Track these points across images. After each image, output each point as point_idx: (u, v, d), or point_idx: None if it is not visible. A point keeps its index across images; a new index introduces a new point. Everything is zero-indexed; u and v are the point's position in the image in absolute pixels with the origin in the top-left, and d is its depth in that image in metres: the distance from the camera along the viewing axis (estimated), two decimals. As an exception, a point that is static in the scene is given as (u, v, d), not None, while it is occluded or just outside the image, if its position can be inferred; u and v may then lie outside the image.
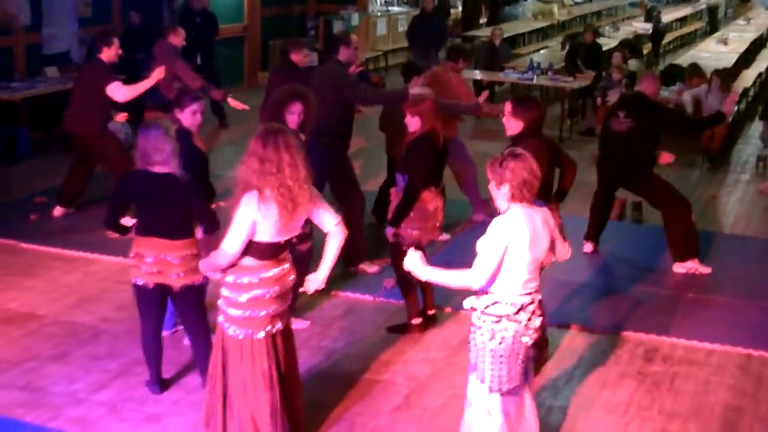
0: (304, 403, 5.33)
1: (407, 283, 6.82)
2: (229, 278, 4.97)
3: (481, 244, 4.66)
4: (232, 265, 4.93)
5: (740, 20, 24.57)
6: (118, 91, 8.82)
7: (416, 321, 6.90)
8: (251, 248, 4.88)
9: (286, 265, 5.05)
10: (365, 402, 5.88)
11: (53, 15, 12.59)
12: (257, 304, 4.93)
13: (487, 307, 4.66)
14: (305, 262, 6.49)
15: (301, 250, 6.42)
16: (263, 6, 17.06)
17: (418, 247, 6.64)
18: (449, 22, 20.89)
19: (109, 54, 8.89)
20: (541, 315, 4.80)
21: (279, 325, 5.06)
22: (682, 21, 25.73)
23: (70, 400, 5.80)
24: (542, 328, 4.92)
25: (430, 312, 7.03)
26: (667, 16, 24.16)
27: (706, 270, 8.23)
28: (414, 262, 4.76)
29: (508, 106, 6.08)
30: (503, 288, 4.64)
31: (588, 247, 8.60)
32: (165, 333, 6.51)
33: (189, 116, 6.35)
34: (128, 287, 7.14)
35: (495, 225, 4.65)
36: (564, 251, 4.99)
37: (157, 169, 5.53)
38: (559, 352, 6.62)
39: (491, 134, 12.67)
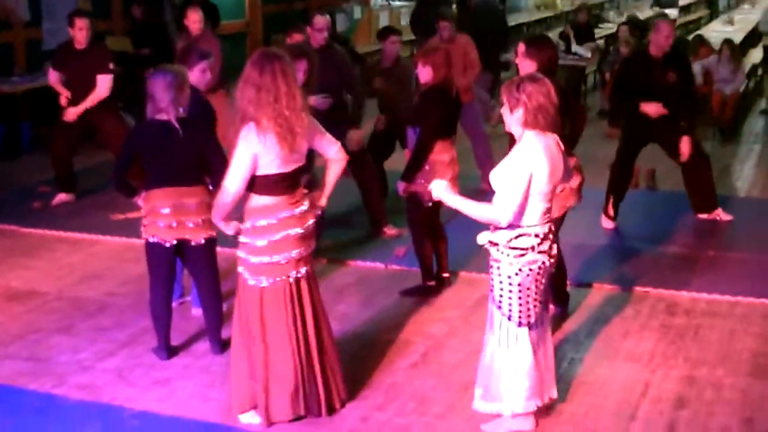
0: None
1: (423, 243, 6.64)
2: (247, 223, 4.77)
3: (500, 177, 4.47)
4: (248, 211, 4.74)
5: (745, 5, 24.40)
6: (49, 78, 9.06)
7: (430, 283, 6.71)
8: (261, 184, 4.68)
9: (305, 206, 4.84)
10: (381, 360, 5.68)
11: (52, 10, 12.46)
12: (278, 248, 4.73)
13: (510, 240, 4.49)
14: (319, 226, 6.34)
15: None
16: (265, 2, 16.94)
17: (435, 202, 6.48)
18: (452, 10, 20.70)
19: (73, 35, 8.88)
20: (557, 242, 4.64)
21: (303, 270, 4.85)
22: (686, 9, 25.53)
23: (75, 368, 5.62)
24: (558, 251, 4.76)
25: (445, 275, 6.84)
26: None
27: (728, 217, 8.17)
28: (441, 190, 4.54)
29: (521, 47, 5.88)
30: (526, 219, 4.47)
31: (608, 223, 8.26)
32: (173, 304, 6.33)
33: (198, 74, 6.17)
34: (134, 264, 7.13)
35: (514, 155, 4.47)
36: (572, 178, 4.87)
37: (162, 116, 5.39)
38: (579, 309, 6.41)
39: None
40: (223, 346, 5.76)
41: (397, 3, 21.19)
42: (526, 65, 5.83)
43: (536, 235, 4.49)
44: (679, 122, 7.96)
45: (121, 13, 13.57)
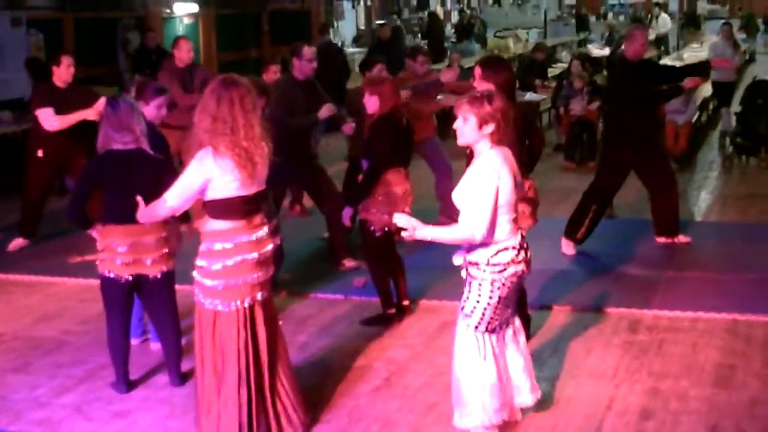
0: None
1: (379, 272, 6.62)
2: (203, 246, 4.70)
3: (465, 194, 4.46)
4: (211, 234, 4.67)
5: (693, 44, 24.77)
6: (47, 120, 8.52)
7: (390, 311, 6.66)
8: (219, 208, 4.62)
9: (263, 231, 4.77)
10: (343, 386, 5.61)
11: (4, 60, 12.40)
12: (233, 272, 4.64)
13: (490, 257, 4.48)
14: (278, 256, 6.29)
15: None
16: (219, 50, 16.98)
17: (388, 232, 6.48)
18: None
19: (59, 74, 8.63)
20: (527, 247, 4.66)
21: (259, 296, 4.76)
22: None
23: (32, 404, 5.49)
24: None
25: (405, 302, 6.80)
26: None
27: (686, 240, 8.30)
28: (406, 222, 4.42)
29: (477, 70, 5.88)
30: (500, 234, 4.47)
31: (570, 249, 8.24)
32: (134, 341, 6.24)
33: (154, 110, 6.10)
34: (92, 304, 7.00)
35: (478, 170, 4.45)
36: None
37: (128, 146, 5.32)
38: (541, 330, 6.39)
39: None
40: (182, 377, 5.68)
41: (351, 50, 21.36)
42: (484, 88, 5.85)
43: (513, 248, 4.50)
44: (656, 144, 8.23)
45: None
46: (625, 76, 8.20)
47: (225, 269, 4.64)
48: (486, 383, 4.59)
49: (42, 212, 9.03)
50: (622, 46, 8.59)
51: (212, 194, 4.61)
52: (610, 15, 36.04)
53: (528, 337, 6.16)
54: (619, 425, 4.99)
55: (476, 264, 4.51)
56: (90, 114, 8.34)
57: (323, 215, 8.08)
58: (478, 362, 4.59)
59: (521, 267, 4.56)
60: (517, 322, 4.87)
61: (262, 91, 6.36)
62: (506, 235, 4.47)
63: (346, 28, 23.60)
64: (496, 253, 4.46)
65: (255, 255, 4.70)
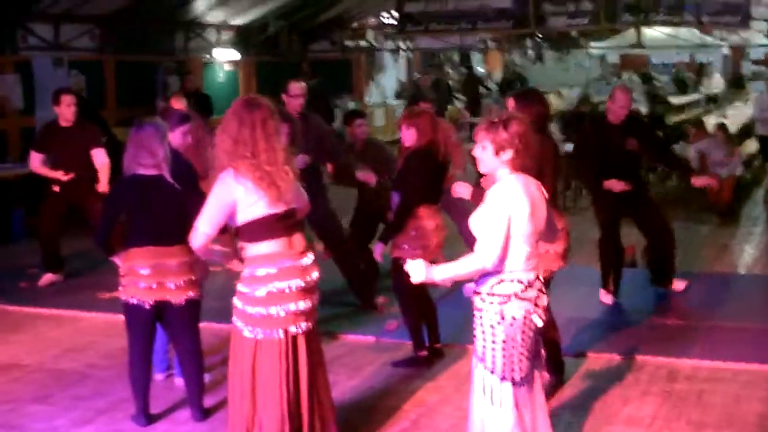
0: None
1: (411, 312, 6.45)
2: (246, 272, 4.55)
3: (479, 220, 4.29)
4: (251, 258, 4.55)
5: (737, 102, 24.57)
6: (30, 161, 8.96)
7: (422, 353, 6.49)
8: (253, 230, 4.48)
9: (309, 258, 4.62)
10: (371, 426, 5.44)
11: (46, 99, 12.45)
12: (277, 299, 4.48)
13: (492, 287, 4.26)
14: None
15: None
16: (258, 93, 17.02)
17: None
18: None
19: (61, 113, 8.81)
20: (545, 294, 4.43)
21: (303, 326, 4.58)
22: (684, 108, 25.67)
23: (50, 435, 5.39)
24: (548, 310, 4.51)
25: (437, 345, 6.61)
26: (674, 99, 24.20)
27: (682, 285, 8.20)
28: (419, 270, 4.25)
29: (510, 102, 5.75)
30: (509, 265, 4.26)
31: (607, 298, 8.00)
32: (159, 376, 6.15)
33: (179, 137, 6.07)
34: (118, 339, 6.87)
35: (492, 196, 4.28)
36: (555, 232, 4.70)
37: (150, 171, 5.25)
38: (575, 377, 6.17)
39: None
40: (204, 412, 5.54)
41: (392, 102, 21.38)
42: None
43: (519, 281, 4.26)
44: (647, 191, 7.96)
45: (116, 102, 13.61)
46: (597, 135, 8.04)
47: (269, 296, 4.48)
48: (501, 430, 4.35)
49: (57, 245, 8.99)
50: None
51: (243, 217, 4.49)
52: (653, 76, 35.83)
53: (562, 384, 6.00)
54: (655, 474, 4.77)
55: (479, 294, 4.32)
56: (59, 176, 8.72)
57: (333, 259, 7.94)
58: (495, 410, 4.33)
59: (528, 306, 4.27)
60: (538, 380, 4.56)
61: (285, 118, 6.28)
62: (516, 267, 4.25)
63: (386, 82, 23.64)
64: (500, 283, 4.24)
65: (300, 282, 4.53)
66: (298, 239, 4.62)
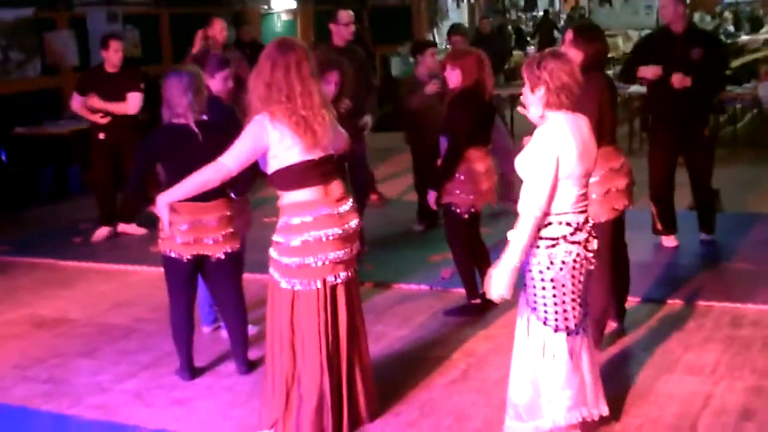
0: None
1: (465, 259, 6.25)
2: (281, 221, 4.37)
3: (526, 163, 4.06)
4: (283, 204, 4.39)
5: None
6: (72, 102, 8.97)
7: (475, 301, 6.28)
8: (287, 177, 4.30)
9: (347, 205, 4.42)
10: (418, 377, 5.25)
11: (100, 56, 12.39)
12: (314, 249, 4.30)
13: (540, 230, 4.04)
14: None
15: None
16: (316, 40, 16.81)
17: (474, 213, 6.11)
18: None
19: (107, 57, 8.74)
20: (596, 237, 4.18)
21: (342, 276, 4.41)
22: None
23: (93, 389, 5.31)
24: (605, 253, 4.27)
25: (490, 293, 6.39)
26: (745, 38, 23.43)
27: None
28: (497, 285, 4.02)
29: (569, 34, 5.42)
30: (557, 206, 4.02)
31: (669, 241, 7.68)
32: (206, 329, 6.06)
33: (220, 83, 5.90)
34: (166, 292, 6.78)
35: (539, 137, 4.04)
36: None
37: (180, 121, 5.09)
38: (636, 325, 5.90)
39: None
40: (249, 365, 5.42)
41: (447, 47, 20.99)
42: (572, 55, 5.40)
43: (568, 224, 4.03)
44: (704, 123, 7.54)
45: (172, 61, 13.48)
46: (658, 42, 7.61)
47: (305, 245, 4.30)
48: (559, 381, 4.14)
49: (114, 193, 8.87)
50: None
51: (275, 163, 4.30)
52: (726, 13, 34.82)
53: (622, 332, 5.75)
54: (715, 426, 4.51)
55: None
56: (96, 119, 8.70)
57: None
58: (554, 366, 4.13)
59: (578, 249, 4.05)
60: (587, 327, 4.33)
61: (335, 65, 6.07)
62: (564, 209, 4.02)
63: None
64: (547, 226, 4.01)
65: (338, 230, 4.34)
66: (336, 186, 4.43)
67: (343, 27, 7.54)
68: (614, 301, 5.62)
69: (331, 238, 4.32)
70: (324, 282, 4.35)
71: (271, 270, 4.44)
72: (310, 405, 4.41)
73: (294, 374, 4.44)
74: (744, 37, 22.81)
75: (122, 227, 8.96)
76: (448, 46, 8.29)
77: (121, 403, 5.10)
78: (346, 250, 4.40)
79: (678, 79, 7.16)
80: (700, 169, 7.57)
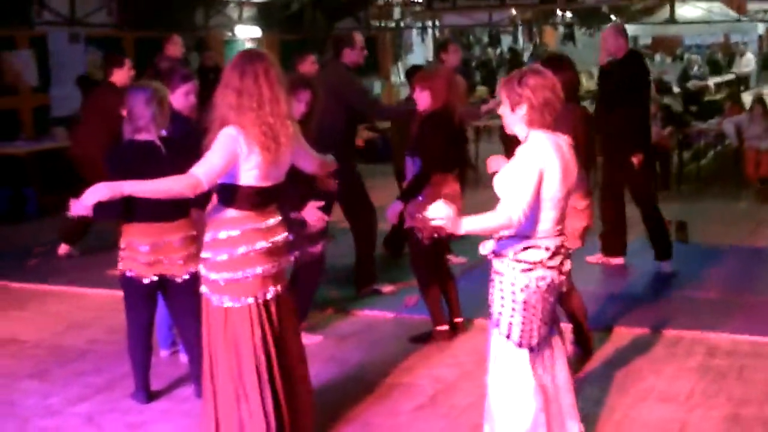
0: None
1: (429, 284, 6.07)
2: (207, 236, 4.21)
3: (506, 180, 3.89)
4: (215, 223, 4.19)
5: (768, 84, 24.06)
6: None
7: (441, 327, 6.10)
8: (233, 195, 4.14)
9: (275, 219, 4.28)
10: (383, 403, 5.08)
11: (61, 76, 12.18)
12: (242, 264, 4.15)
13: (517, 252, 3.88)
14: (318, 265, 5.81)
15: (313, 252, 5.72)
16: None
17: (438, 240, 5.95)
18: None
19: (120, 76, 8.38)
20: (570, 259, 4.04)
21: (272, 290, 4.25)
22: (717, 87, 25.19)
23: (42, 412, 5.07)
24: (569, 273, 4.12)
25: (457, 320, 6.23)
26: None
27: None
28: (441, 211, 3.73)
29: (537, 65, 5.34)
30: (535, 229, 3.87)
31: (618, 259, 7.79)
32: (164, 352, 5.84)
33: (181, 98, 5.71)
34: (123, 314, 6.53)
35: (521, 155, 3.89)
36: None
37: (143, 136, 4.90)
38: (603, 351, 5.77)
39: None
40: (207, 389, 5.18)
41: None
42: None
43: (546, 248, 3.89)
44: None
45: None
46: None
47: (231, 260, 4.15)
48: (519, 401, 3.97)
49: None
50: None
51: (229, 178, 4.12)
52: (686, 56, 35.20)
53: (589, 357, 5.61)
54: (692, 453, 4.37)
55: (501, 256, 3.93)
56: None
57: (352, 231, 7.37)
58: (512, 377, 3.98)
59: (553, 274, 3.92)
60: (558, 345, 4.21)
61: (306, 85, 5.90)
62: (544, 233, 3.89)
63: (413, 62, 23.15)
64: (525, 249, 3.87)
65: (264, 243, 4.19)
66: (269, 208, 4.30)
67: (359, 51, 7.29)
68: (573, 327, 5.58)
69: (257, 252, 4.18)
70: (255, 297, 4.20)
71: (202, 288, 4.28)
72: (257, 426, 4.20)
73: (237, 396, 4.23)
74: (716, 78, 23.12)
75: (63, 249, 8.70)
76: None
77: (71, 427, 4.86)
78: (274, 263, 4.26)
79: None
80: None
